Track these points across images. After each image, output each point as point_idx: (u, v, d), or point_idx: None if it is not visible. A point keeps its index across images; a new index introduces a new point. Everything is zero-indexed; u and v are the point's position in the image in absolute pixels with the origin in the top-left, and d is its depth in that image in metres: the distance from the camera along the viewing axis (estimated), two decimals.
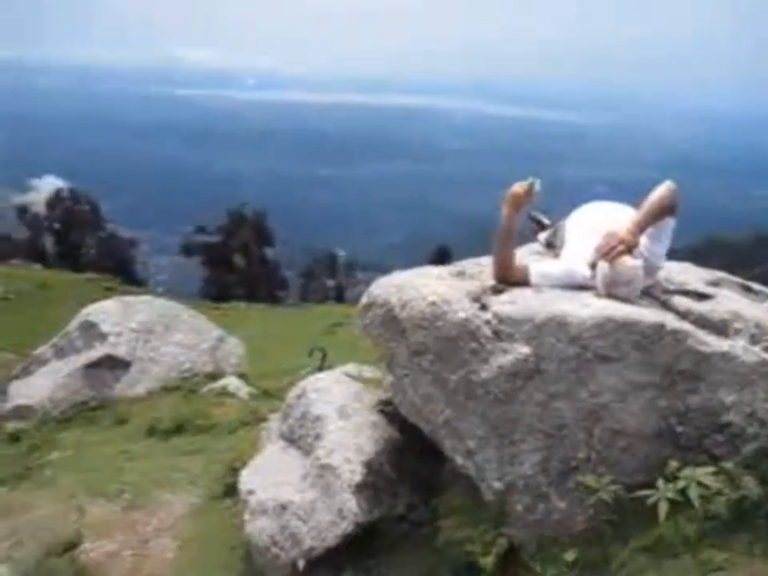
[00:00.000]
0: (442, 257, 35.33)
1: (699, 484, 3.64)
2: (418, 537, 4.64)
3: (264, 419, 7.49)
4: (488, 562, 4.04)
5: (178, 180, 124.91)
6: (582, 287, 4.31)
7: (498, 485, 4.08)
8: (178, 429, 8.10)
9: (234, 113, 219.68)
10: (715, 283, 4.74)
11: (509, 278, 4.41)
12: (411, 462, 4.91)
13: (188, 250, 45.55)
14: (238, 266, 43.56)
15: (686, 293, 4.46)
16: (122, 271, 40.30)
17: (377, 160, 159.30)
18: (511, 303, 4.13)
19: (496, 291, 4.34)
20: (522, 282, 4.37)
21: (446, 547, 4.31)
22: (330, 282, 49.14)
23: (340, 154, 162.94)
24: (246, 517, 5.02)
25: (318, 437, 5.05)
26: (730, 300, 4.41)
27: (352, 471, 4.69)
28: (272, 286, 43.64)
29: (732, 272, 5.11)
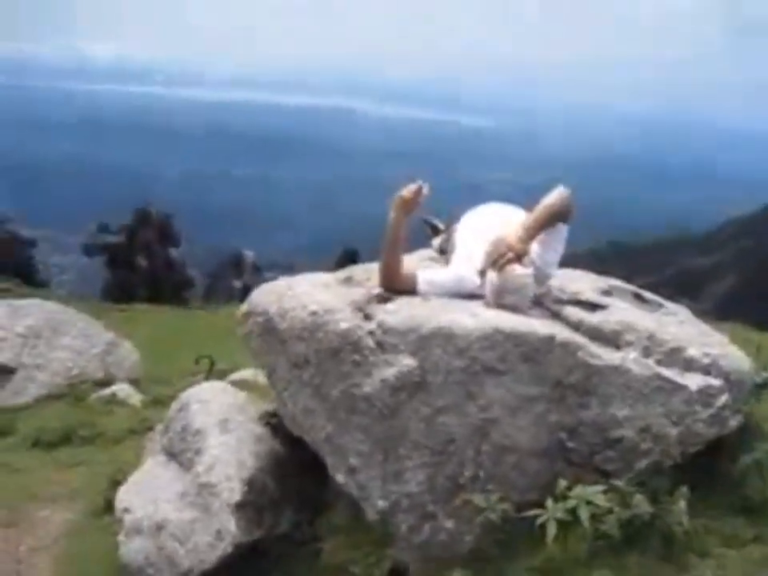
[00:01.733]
0: (349, 259, 35.11)
1: (589, 503, 3.53)
2: (302, 556, 4.46)
3: (153, 428, 7.20)
4: None
5: (80, 178, 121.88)
6: (471, 295, 4.16)
7: (381, 504, 3.89)
8: (63, 439, 7.82)
9: (143, 109, 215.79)
10: (608, 292, 4.64)
11: (395, 286, 4.20)
12: (296, 477, 4.72)
13: (89, 251, 44.28)
14: (141, 266, 42.54)
15: (579, 303, 4.34)
16: (20, 273, 38.84)
17: (289, 160, 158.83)
18: (396, 313, 3.94)
19: (381, 300, 4.13)
20: (410, 289, 4.18)
21: (328, 569, 4.12)
22: (237, 283, 48.36)
23: (251, 154, 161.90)
24: (121, 537, 4.79)
25: (198, 452, 4.80)
26: (622, 310, 4.31)
27: (231, 489, 4.46)
28: (177, 286, 42.73)
29: (632, 277, 5.05)
